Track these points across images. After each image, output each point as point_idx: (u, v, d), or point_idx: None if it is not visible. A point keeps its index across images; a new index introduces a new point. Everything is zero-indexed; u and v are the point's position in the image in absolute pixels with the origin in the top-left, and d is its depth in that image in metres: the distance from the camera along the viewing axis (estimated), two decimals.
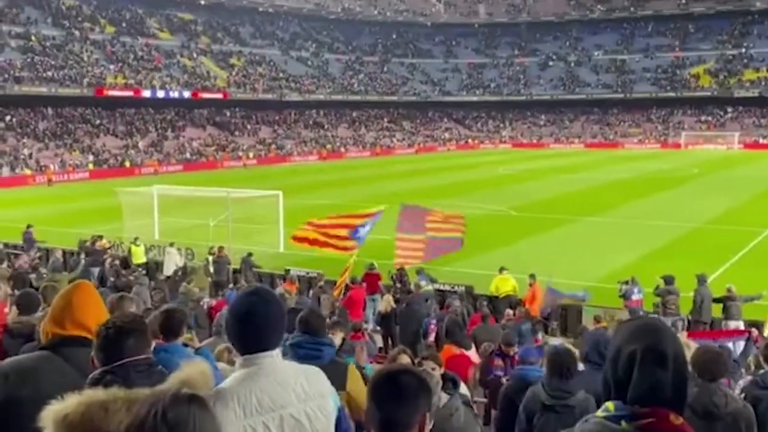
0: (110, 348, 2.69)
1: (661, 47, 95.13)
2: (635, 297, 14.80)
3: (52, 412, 1.63)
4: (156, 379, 2.40)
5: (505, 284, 15.88)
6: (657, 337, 1.89)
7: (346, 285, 15.24)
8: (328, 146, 73.15)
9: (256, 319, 2.47)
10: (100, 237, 20.93)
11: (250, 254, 19.29)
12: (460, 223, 15.48)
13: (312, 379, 2.57)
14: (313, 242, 14.72)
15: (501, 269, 16.31)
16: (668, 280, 14.58)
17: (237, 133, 71.79)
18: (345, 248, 14.65)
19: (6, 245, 21.53)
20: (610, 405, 1.91)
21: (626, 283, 15.05)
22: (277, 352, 2.54)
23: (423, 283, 15.39)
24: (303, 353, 3.66)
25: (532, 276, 15.43)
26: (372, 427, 2.05)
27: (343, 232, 14.43)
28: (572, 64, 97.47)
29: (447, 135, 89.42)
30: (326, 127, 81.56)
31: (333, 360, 3.83)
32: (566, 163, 59.15)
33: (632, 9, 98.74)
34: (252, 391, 2.40)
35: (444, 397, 4.32)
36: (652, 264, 19.39)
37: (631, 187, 41.05)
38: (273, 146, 70.15)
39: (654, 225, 27.81)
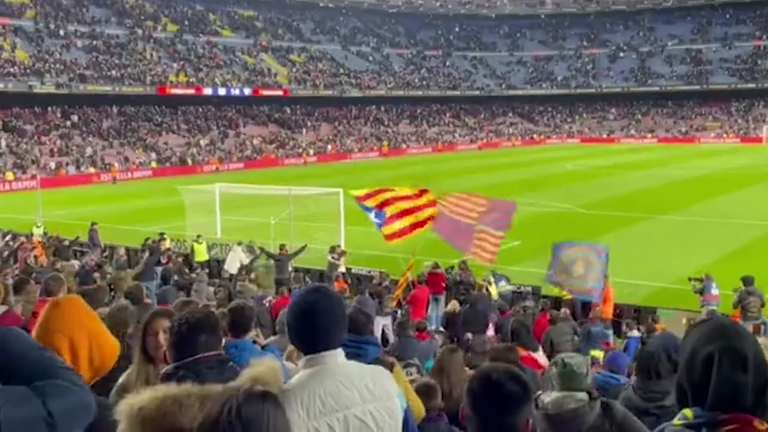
0: (182, 344, 2.71)
1: (741, 36, 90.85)
2: (714, 291, 14.13)
3: (126, 405, 1.69)
4: (228, 375, 2.44)
5: None
6: (734, 337, 1.82)
7: (410, 283, 14.96)
8: (386, 143, 72.05)
9: (319, 317, 2.44)
10: (162, 236, 20.97)
11: (333, 248, 19.03)
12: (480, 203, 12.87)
13: (377, 379, 2.50)
14: (378, 200, 12.19)
15: None
16: (748, 281, 13.62)
17: (298, 130, 71.59)
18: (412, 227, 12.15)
19: (72, 242, 21.94)
20: (688, 412, 1.84)
21: (699, 280, 14.48)
22: (340, 351, 2.48)
23: (502, 283, 15.48)
24: (347, 351, 3.39)
25: (605, 276, 14.36)
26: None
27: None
28: (644, 55, 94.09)
29: (511, 130, 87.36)
30: (387, 123, 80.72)
31: (377, 358, 3.78)
32: (638, 158, 57.46)
33: None
34: (315, 392, 2.34)
35: None
36: (731, 265, 18.45)
37: (707, 183, 39.52)
38: (334, 143, 69.60)
39: (733, 223, 26.58)
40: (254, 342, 4.95)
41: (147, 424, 1.66)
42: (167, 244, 20.45)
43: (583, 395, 3.35)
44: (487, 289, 14.85)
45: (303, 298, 2.54)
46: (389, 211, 11.94)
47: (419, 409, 4.19)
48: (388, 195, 12.13)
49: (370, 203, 12.28)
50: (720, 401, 1.78)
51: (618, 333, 13.65)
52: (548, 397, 3.34)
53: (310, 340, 2.47)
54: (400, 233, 12.14)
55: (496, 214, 12.53)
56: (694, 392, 1.84)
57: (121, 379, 3.12)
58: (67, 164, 50.90)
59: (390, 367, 3.58)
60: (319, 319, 2.45)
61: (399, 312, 14.45)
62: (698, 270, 16.54)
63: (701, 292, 14.31)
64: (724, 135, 78.73)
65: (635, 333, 11.35)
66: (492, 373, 2.20)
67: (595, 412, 3.30)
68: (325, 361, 2.44)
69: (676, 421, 1.87)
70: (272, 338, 7.74)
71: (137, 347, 3.16)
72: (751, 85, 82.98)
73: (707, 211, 29.44)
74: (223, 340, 3.44)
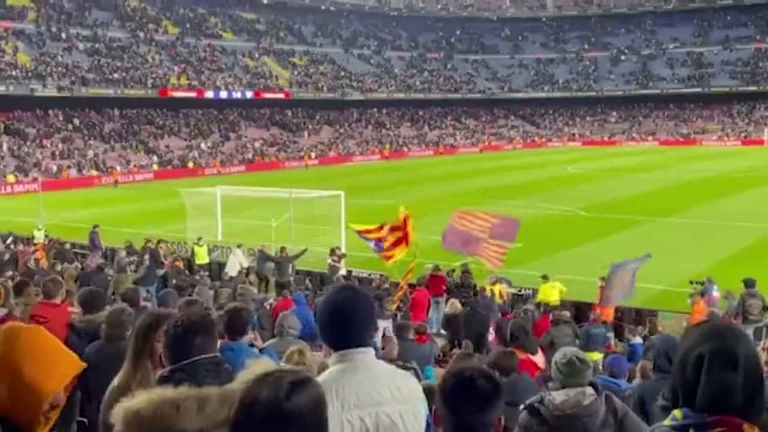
0: (178, 346, 2.70)
1: (742, 38, 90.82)
2: (715, 294, 14.27)
3: (122, 408, 1.68)
4: (224, 377, 2.40)
5: (551, 292, 15.37)
6: (726, 338, 1.79)
7: (410, 286, 14.98)
8: (387, 146, 72.03)
9: (349, 314, 2.48)
10: (150, 240, 20.70)
11: (333, 251, 19.11)
12: (487, 218, 14.38)
13: (406, 381, 2.54)
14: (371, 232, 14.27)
15: (544, 277, 15.81)
16: (749, 283, 13.70)
17: (299, 133, 71.62)
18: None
19: (74, 245, 21.96)
20: (677, 413, 1.82)
21: (701, 283, 14.61)
22: (370, 350, 2.51)
23: (504, 285, 15.55)
24: None
25: (603, 279, 14.69)
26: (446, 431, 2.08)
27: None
28: (646, 58, 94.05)
29: (513, 133, 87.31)
30: (388, 126, 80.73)
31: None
32: (639, 161, 57.46)
33: None
34: (349, 386, 2.37)
35: None
36: (732, 267, 18.51)
37: (709, 186, 39.49)
38: (335, 146, 69.60)
39: (734, 226, 26.55)
40: (251, 345, 4.93)
41: (144, 428, 1.64)
42: (165, 247, 20.40)
43: (590, 389, 3.30)
44: (492, 292, 14.84)
45: (334, 295, 2.58)
46: (386, 244, 13.88)
47: None
48: (382, 233, 13.97)
49: (370, 236, 14.20)
50: (708, 402, 1.76)
51: (619, 337, 13.65)
52: (558, 396, 3.28)
53: (341, 336, 2.51)
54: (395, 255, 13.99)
55: (503, 230, 13.69)
56: (685, 393, 1.82)
57: (115, 381, 3.08)
58: (69, 167, 50.89)
59: None
60: (350, 316, 2.49)
61: (398, 315, 14.45)
62: (700, 273, 16.53)
63: (702, 294, 14.26)
64: (726, 138, 78.67)
65: (638, 340, 11.26)
66: (464, 371, 2.24)
67: (603, 405, 3.27)
68: (355, 358, 2.47)
69: (666, 422, 1.86)
70: (271, 341, 7.67)
71: (132, 350, 3.11)
72: (752, 88, 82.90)
73: (709, 214, 29.38)
74: (219, 343, 3.40)
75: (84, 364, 2.15)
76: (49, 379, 2.03)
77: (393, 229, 13.86)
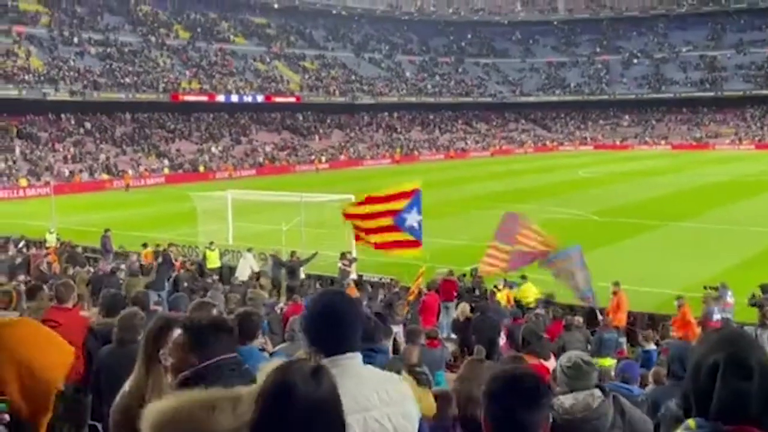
0: (201, 347, 2.62)
1: (755, 42, 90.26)
2: (729, 299, 14.10)
3: (153, 410, 1.65)
4: (247, 378, 2.41)
5: (529, 292, 15.61)
6: (740, 346, 1.78)
7: (420, 290, 14.83)
8: (398, 150, 71.96)
9: (335, 318, 2.46)
10: (148, 244, 20.82)
11: (344, 254, 19.20)
12: (551, 245, 14.01)
13: (395, 384, 2.53)
14: (361, 230, 12.85)
15: (523, 277, 15.85)
16: (766, 288, 13.68)
17: (310, 136, 71.72)
18: (400, 244, 12.45)
19: (85, 249, 22.05)
20: (691, 422, 1.79)
21: (715, 288, 14.33)
22: (358, 355, 2.50)
23: (514, 290, 15.72)
24: None
25: (615, 283, 14.71)
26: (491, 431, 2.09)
27: (389, 221, 12.41)
28: (658, 62, 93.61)
29: (524, 137, 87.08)
30: (399, 130, 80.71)
31: (385, 366, 3.69)
32: (652, 165, 57.13)
33: (723, 2, 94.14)
34: None
35: None
36: (746, 272, 18.27)
37: (723, 190, 39.24)
38: (346, 150, 69.66)
39: (748, 231, 26.25)
40: (262, 349, 4.90)
41: (175, 430, 1.62)
42: (174, 251, 20.41)
43: (598, 391, 3.28)
44: (494, 295, 14.77)
45: (320, 299, 2.56)
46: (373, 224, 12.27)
47: (430, 407, 4.18)
48: (373, 208, 12.25)
49: (359, 222, 12.52)
50: (723, 411, 1.74)
51: (632, 342, 13.54)
52: (567, 400, 3.25)
53: (328, 341, 2.47)
54: (388, 245, 12.48)
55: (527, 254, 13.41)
56: (698, 402, 1.79)
57: (126, 387, 3.03)
58: (81, 171, 51.15)
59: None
60: (336, 320, 2.46)
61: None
62: (714, 277, 16.37)
63: (716, 299, 14.13)
64: (739, 142, 78.17)
65: (652, 346, 11.10)
66: (508, 371, 2.23)
67: (612, 407, 3.24)
68: (343, 364, 2.44)
69: (679, 431, 1.83)
70: (281, 345, 7.68)
71: (144, 354, 3.06)
72: (765, 92, 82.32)
73: (722, 218, 29.16)
74: None
75: (74, 349, 2.15)
76: (55, 367, 2.13)
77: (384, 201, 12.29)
